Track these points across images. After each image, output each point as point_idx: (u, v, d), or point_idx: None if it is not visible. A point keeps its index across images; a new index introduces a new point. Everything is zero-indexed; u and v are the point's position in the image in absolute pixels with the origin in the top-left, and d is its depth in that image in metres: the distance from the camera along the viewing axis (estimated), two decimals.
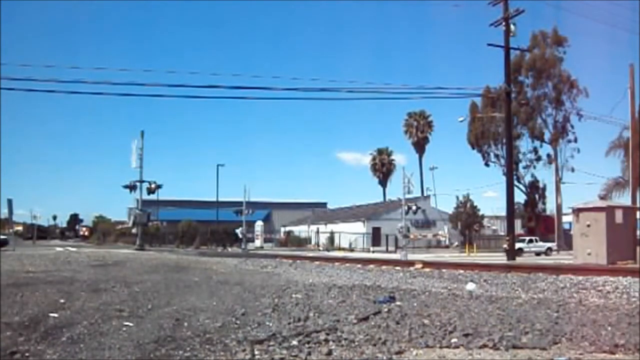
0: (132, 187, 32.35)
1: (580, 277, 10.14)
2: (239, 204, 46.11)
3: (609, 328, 4.77)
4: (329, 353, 3.95)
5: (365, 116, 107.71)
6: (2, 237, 31.44)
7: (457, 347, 4.22)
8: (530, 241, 38.95)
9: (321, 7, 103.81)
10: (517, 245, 38.38)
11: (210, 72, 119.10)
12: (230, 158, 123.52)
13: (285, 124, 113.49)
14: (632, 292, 7.89)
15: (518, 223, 41.12)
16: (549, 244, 39.31)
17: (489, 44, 23.83)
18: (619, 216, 18.02)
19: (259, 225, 55.33)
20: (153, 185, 32.74)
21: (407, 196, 32.69)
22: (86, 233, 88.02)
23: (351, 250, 46.55)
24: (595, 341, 4.27)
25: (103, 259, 16.57)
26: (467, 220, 49.96)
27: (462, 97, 34.18)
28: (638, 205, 23.57)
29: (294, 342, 4.23)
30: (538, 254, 35.72)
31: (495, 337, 4.40)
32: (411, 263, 15.52)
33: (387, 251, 43.38)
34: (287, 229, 66.63)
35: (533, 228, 46.95)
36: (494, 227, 59.48)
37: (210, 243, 50.26)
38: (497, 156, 46.11)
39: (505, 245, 23.72)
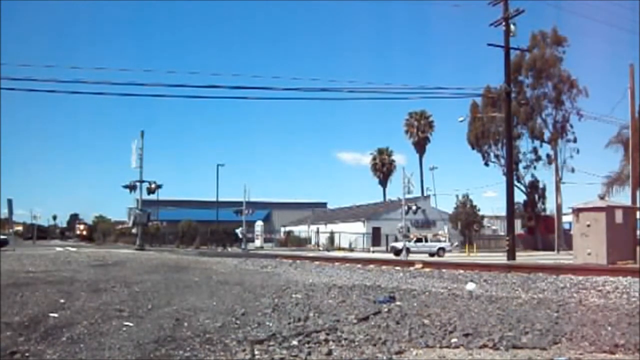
0: (132, 187, 32.37)
1: (580, 277, 10.14)
2: (239, 204, 46.14)
3: (609, 328, 4.77)
4: (329, 353, 3.95)
5: (365, 116, 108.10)
6: (2, 237, 31.42)
7: (457, 347, 4.22)
8: (419, 240, 36.88)
9: (321, 7, 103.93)
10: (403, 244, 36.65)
11: (210, 72, 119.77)
12: (230, 158, 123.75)
13: (285, 124, 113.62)
14: (632, 292, 7.88)
15: (518, 223, 41.06)
16: (441, 244, 36.95)
17: (489, 44, 23.89)
18: (619, 216, 18.02)
19: (259, 225, 55.35)
20: (153, 185, 32.76)
21: (407, 196, 32.74)
22: (84, 232, 76.35)
23: (351, 250, 46.57)
24: (595, 341, 4.27)
25: (103, 259, 16.55)
26: (467, 220, 49.99)
27: (462, 97, 34.22)
28: (638, 205, 23.58)
29: (294, 342, 4.23)
30: (432, 254, 33.03)
31: (495, 337, 4.40)
32: (411, 263, 15.52)
33: (387, 251, 43.39)
34: (287, 229, 66.64)
35: (533, 228, 46.99)
36: (494, 227, 59.54)
37: (210, 243, 50.27)
38: (497, 156, 46.17)
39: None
